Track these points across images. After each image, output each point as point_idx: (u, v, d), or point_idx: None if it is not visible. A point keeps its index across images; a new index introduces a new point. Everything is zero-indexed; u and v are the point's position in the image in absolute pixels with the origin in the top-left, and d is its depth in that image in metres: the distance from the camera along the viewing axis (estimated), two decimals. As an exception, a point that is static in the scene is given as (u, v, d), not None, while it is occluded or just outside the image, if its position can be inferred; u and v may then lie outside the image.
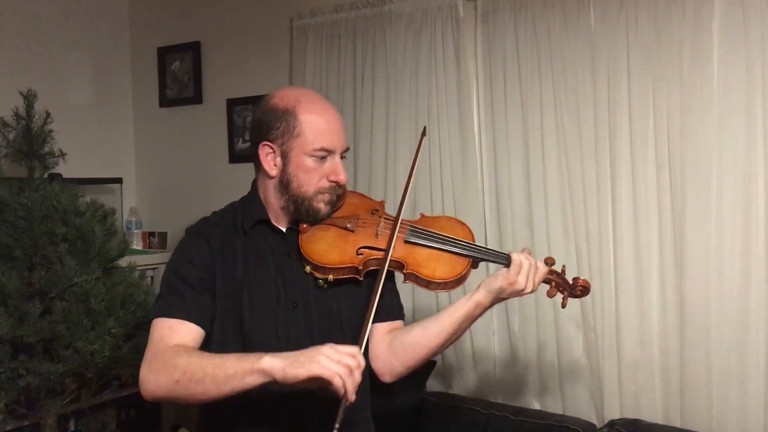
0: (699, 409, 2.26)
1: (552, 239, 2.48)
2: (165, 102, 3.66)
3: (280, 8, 3.19)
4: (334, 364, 1.27)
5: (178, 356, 1.41)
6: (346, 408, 1.29)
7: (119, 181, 3.63)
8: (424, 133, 1.78)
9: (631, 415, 2.36)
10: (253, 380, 1.32)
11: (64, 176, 2.84)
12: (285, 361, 1.30)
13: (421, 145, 1.73)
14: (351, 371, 1.28)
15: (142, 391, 1.43)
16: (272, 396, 1.53)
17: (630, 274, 2.35)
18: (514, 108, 2.55)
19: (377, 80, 2.84)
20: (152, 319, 1.53)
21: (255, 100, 3.30)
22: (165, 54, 3.63)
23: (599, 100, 2.38)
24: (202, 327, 1.52)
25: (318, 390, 1.31)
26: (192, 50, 3.53)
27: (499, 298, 1.61)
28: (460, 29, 2.65)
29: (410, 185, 1.66)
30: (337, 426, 1.27)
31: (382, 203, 1.73)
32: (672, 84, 2.25)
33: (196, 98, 3.53)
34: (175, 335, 1.48)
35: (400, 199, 1.67)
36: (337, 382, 1.27)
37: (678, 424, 2.30)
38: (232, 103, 3.39)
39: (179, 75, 3.60)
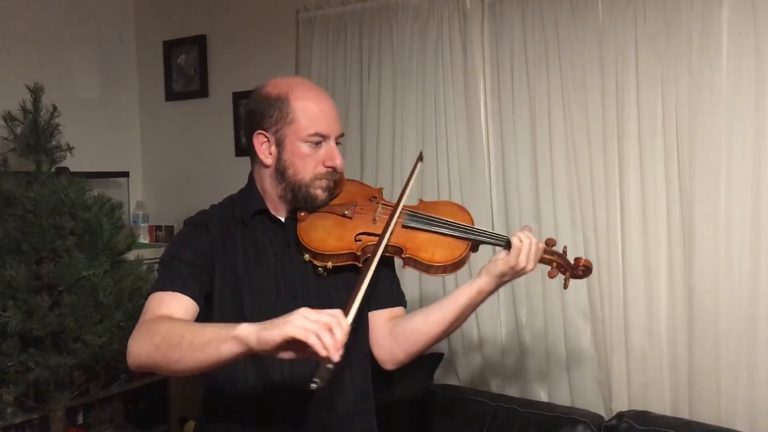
0: (707, 401, 2.25)
1: (560, 230, 2.47)
2: (171, 96, 3.66)
3: (286, 0, 3.19)
4: (309, 322, 1.16)
5: (162, 322, 1.37)
6: (328, 369, 1.17)
7: (126, 174, 3.64)
8: (420, 158, 1.74)
9: (639, 406, 2.35)
10: (228, 349, 1.23)
11: (71, 170, 2.84)
12: (259, 326, 1.21)
13: (416, 170, 1.69)
14: (330, 329, 1.16)
15: (127, 360, 1.38)
16: (273, 387, 1.54)
17: (638, 265, 2.34)
18: (521, 100, 2.54)
19: (384, 73, 2.83)
20: (147, 296, 1.51)
21: (261, 93, 3.29)
22: (171, 47, 3.63)
23: (607, 92, 2.37)
24: (196, 301, 1.49)
25: (302, 359, 1.21)
26: (198, 43, 3.52)
27: (502, 281, 1.60)
28: (467, 21, 2.63)
29: (402, 202, 1.62)
30: (315, 380, 1.15)
31: (380, 190, 1.73)
32: (680, 75, 2.24)
33: (202, 92, 3.53)
34: (165, 307, 1.44)
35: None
36: (312, 340, 1.15)
37: (686, 416, 2.29)
38: (237, 97, 3.38)
39: (185, 68, 3.59)
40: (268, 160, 1.57)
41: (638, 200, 2.33)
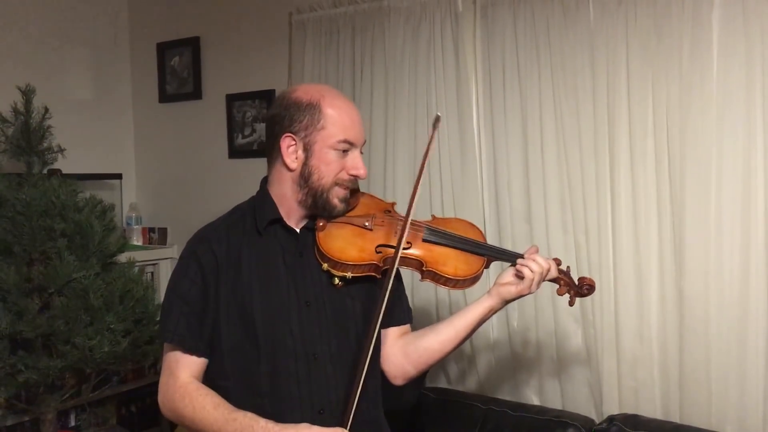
0: (698, 404, 2.25)
1: (551, 234, 2.47)
2: (164, 97, 3.66)
3: (279, 3, 3.19)
4: None
5: (185, 407, 1.52)
6: None
7: (119, 176, 3.63)
8: (437, 121, 1.68)
9: (630, 410, 2.35)
10: None
11: (63, 172, 2.83)
12: None
13: (434, 137, 1.68)
14: None
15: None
16: (285, 401, 1.56)
17: (629, 268, 2.34)
18: (512, 102, 2.54)
19: (376, 75, 2.83)
20: (161, 339, 1.63)
21: (254, 96, 3.30)
22: (164, 49, 3.63)
23: (598, 94, 2.37)
24: (205, 355, 1.59)
25: None
26: (191, 45, 3.52)
27: (508, 302, 1.70)
28: (459, 24, 2.63)
29: (421, 179, 1.64)
30: None
31: (393, 204, 1.77)
32: (671, 77, 2.23)
33: (196, 94, 3.53)
34: (183, 368, 1.57)
35: (407, 196, 1.68)
36: None
37: (677, 420, 2.29)
38: (231, 99, 3.38)
39: (178, 70, 3.59)
40: (294, 164, 1.59)
41: (629, 203, 2.33)
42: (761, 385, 2.15)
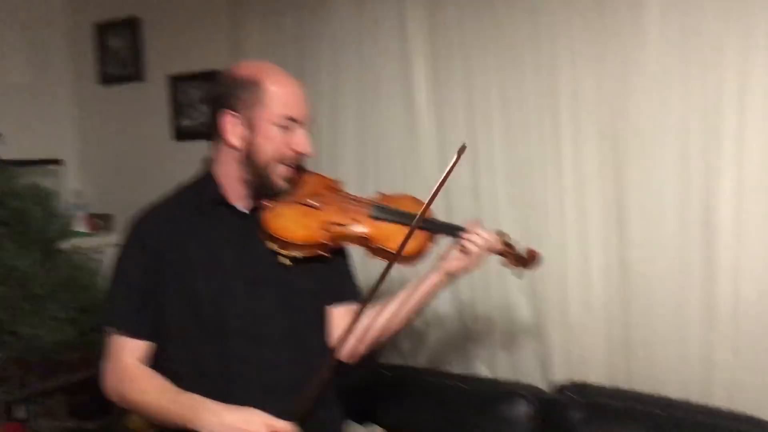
0: (642, 370, 2.31)
1: (498, 208, 2.50)
2: (105, 80, 3.56)
3: (219, -21, 3.13)
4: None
5: (131, 391, 1.53)
6: None
7: (58, 162, 3.53)
8: (462, 150, 1.63)
9: (578, 378, 2.40)
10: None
11: (1, 158, 2.74)
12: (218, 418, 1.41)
13: (457, 163, 1.61)
14: None
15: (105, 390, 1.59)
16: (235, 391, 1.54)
17: (573, 240, 2.38)
18: (458, 77, 2.54)
19: (321, 51, 2.80)
20: (104, 325, 1.59)
21: (197, 77, 3.23)
22: (103, 30, 3.53)
23: (541, 68, 2.38)
24: (150, 338, 1.58)
25: None
26: (130, 26, 3.43)
27: (456, 277, 1.71)
28: (403, -3, 2.62)
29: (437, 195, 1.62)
30: None
31: (339, 182, 1.76)
32: (612, 49, 2.26)
33: (137, 75, 3.45)
34: (128, 352, 1.56)
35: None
36: None
37: (624, 385, 2.35)
38: (174, 80, 3.32)
39: (119, 51, 3.50)
40: (237, 141, 1.56)
41: (572, 176, 2.36)
42: (698, 347, 2.21)
